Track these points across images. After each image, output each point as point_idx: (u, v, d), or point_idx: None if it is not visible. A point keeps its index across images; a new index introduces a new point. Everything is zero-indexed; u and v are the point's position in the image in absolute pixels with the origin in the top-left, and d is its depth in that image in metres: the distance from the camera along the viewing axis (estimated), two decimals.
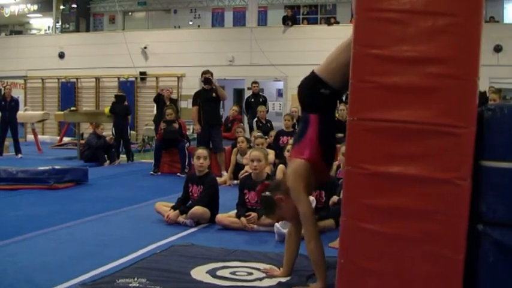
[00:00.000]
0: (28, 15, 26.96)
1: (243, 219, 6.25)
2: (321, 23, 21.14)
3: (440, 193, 3.01)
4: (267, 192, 4.12)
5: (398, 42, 3.11)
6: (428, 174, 3.03)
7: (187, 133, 12.82)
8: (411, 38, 3.10)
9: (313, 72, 3.97)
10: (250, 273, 4.44)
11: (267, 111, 13.77)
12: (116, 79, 21.20)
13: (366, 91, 3.16)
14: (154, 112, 15.98)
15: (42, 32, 26.90)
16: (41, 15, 26.66)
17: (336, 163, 7.20)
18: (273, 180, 5.22)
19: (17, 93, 23.67)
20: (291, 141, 9.98)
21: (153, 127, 16.14)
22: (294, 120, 12.89)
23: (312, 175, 3.94)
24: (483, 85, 14.52)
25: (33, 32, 27.61)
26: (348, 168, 3.21)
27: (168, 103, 13.53)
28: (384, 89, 3.12)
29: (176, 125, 11.61)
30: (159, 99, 14.32)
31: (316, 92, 3.89)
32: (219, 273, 4.40)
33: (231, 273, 4.43)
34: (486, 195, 3.03)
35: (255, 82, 14.96)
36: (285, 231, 5.78)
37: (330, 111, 4.07)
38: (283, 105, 19.31)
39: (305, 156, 3.87)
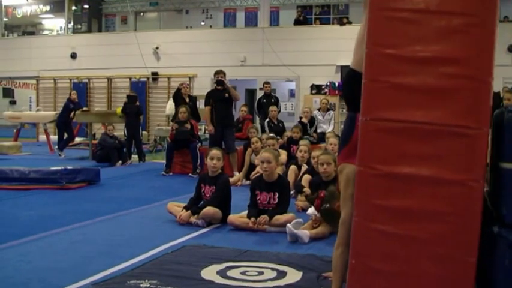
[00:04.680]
0: (40, 16, 27.12)
1: (252, 219, 6.23)
2: (333, 23, 21.07)
3: (453, 194, 2.97)
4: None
5: (412, 42, 3.06)
6: (441, 175, 2.98)
7: (199, 133, 12.79)
8: (425, 38, 3.05)
9: (350, 68, 3.68)
10: (260, 273, 4.42)
11: (279, 112, 13.72)
12: (128, 79, 21.23)
13: (378, 91, 3.12)
14: (168, 112, 15.74)
15: (54, 33, 27.04)
16: (53, 16, 26.80)
17: None
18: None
19: (29, 94, 23.87)
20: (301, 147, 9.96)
21: (165, 127, 16.05)
22: (306, 121, 12.92)
23: None
24: (497, 86, 14.31)
25: (45, 32, 27.76)
26: (360, 169, 3.17)
27: (187, 100, 12.80)
28: (396, 89, 3.07)
29: (188, 125, 11.59)
30: (177, 97, 13.01)
31: (358, 88, 3.38)
32: (229, 273, 4.39)
33: (241, 273, 4.42)
34: (506, 198, 2.99)
35: (267, 82, 14.90)
36: (297, 231, 5.77)
37: None
38: (295, 106, 19.27)
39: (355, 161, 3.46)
